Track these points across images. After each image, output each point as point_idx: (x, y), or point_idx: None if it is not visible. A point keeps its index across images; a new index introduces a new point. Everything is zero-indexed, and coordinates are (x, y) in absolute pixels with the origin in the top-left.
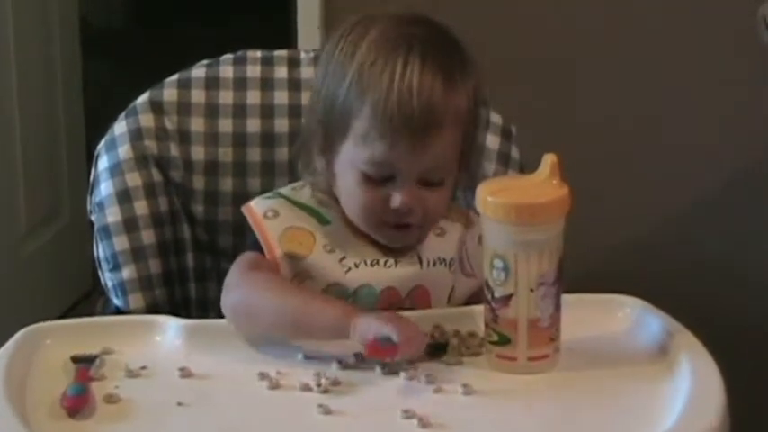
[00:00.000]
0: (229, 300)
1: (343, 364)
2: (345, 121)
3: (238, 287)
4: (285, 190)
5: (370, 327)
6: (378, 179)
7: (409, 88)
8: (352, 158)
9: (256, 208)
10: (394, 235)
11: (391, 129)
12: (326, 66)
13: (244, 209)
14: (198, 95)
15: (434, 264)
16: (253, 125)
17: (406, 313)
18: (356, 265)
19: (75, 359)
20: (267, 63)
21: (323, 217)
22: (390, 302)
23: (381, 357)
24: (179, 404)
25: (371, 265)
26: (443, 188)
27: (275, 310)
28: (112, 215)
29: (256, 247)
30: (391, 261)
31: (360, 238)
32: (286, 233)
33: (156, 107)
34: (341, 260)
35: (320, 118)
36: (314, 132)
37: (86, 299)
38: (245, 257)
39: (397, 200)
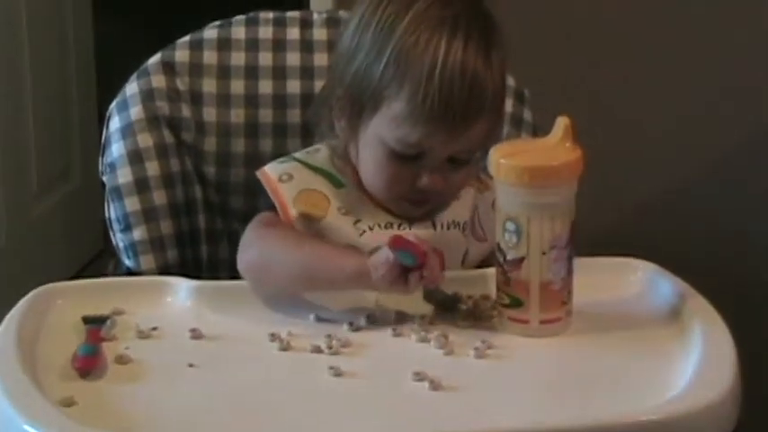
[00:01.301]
0: (246, 257)
1: (354, 326)
2: (379, 96)
3: (254, 244)
4: (299, 154)
5: (385, 251)
6: (406, 157)
7: (451, 77)
8: (381, 134)
9: (271, 172)
10: (411, 208)
11: (431, 116)
12: (360, 33)
13: (258, 173)
14: (210, 56)
15: (448, 227)
16: (265, 86)
17: None
18: (370, 228)
19: (87, 320)
20: (279, 24)
21: (337, 180)
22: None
23: (405, 249)
24: (190, 365)
25: (385, 227)
26: (470, 165)
27: (293, 262)
28: (124, 176)
29: (271, 210)
30: (405, 224)
31: (373, 203)
32: (301, 195)
33: (168, 68)
34: (355, 223)
35: (348, 87)
36: (338, 98)
37: (98, 260)
38: (261, 217)
39: (424, 180)
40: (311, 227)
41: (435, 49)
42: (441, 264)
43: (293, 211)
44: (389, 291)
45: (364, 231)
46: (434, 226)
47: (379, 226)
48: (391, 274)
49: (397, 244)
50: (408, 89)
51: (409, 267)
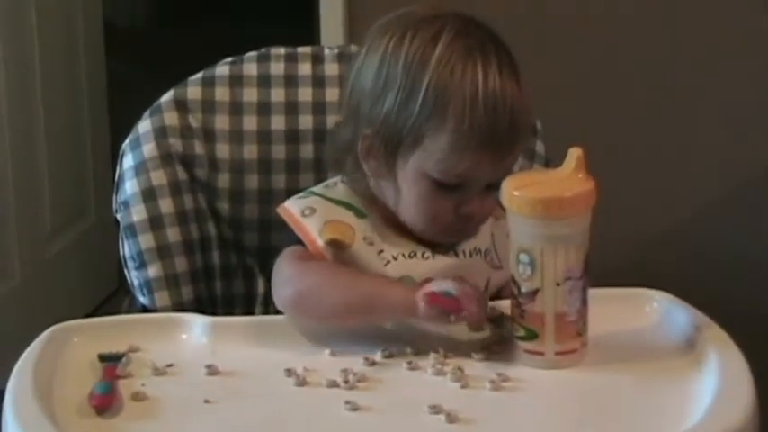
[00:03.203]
0: (290, 290)
1: (370, 361)
2: (419, 132)
3: (295, 279)
4: (318, 188)
5: (431, 284)
6: (450, 187)
7: (494, 103)
8: (424, 168)
9: (292, 207)
10: (449, 237)
11: (478, 144)
12: (387, 71)
13: (279, 210)
14: (222, 93)
15: (470, 254)
16: (277, 122)
17: None
18: (394, 258)
19: (103, 357)
20: (291, 60)
21: (359, 211)
22: None
23: (441, 305)
24: (206, 401)
25: (409, 257)
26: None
27: (340, 293)
28: (138, 213)
29: (297, 243)
30: (428, 253)
31: (396, 232)
32: (327, 225)
33: (181, 105)
34: (379, 253)
35: (381, 126)
36: (365, 137)
37: (113, 298)
38: (292, 251)
39: (468, 208)
40: (340, 255)
41: (473, 78)
42: (479, 301)
43: (320, 241)
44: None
45: (389, 261)
46: (456, 254)
47: (403, 255)
48: (433, 313)
49: (432, 302)
50: (452, 120)
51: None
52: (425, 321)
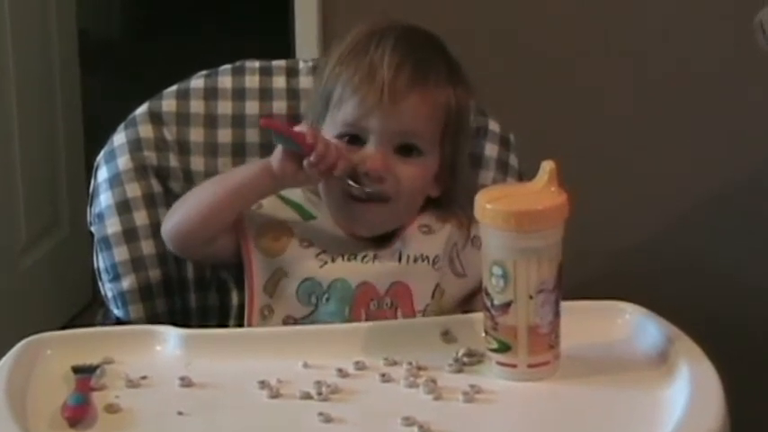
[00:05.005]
0: (166, 219)
1: (343, 373)
2: (326, 100)
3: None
4: None
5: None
6: (352, 146)
7: (381, 57)
8: (329, 130)
9: None
10: (358, 211)
11: (360, 85)
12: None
13: None
14: (197, 106)
15: (415, 260)
16: (252, 135)
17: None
18: (333, 260)
19: (76, 369)
20: (266, 73)
21: (307, 213)
22: (368, 297)
23: (279, 129)
24: (179, 413)
25: (348, 259)
26: (419, 162)
27: (204, 188)
28: (112, 226)
29: None
30: (369, 256)
31: (343, 234)
32: (263, 227)
33: (156, 118)
34: (318, 255)
35: (310, 114)
36: None
37: (87, 310)
38: None
39: (368, 161)
40: (271, 263)
41: (366, 48)
42: (329, 144)
43: (252, 244)
44: (294, 182)
45: (326, 263)
46: (400, 259)
47: (343, 257)
48: (287, 164)
49: (269, 126)
50: (344, 75)
51: (302, 154)
52: (285, 182)
